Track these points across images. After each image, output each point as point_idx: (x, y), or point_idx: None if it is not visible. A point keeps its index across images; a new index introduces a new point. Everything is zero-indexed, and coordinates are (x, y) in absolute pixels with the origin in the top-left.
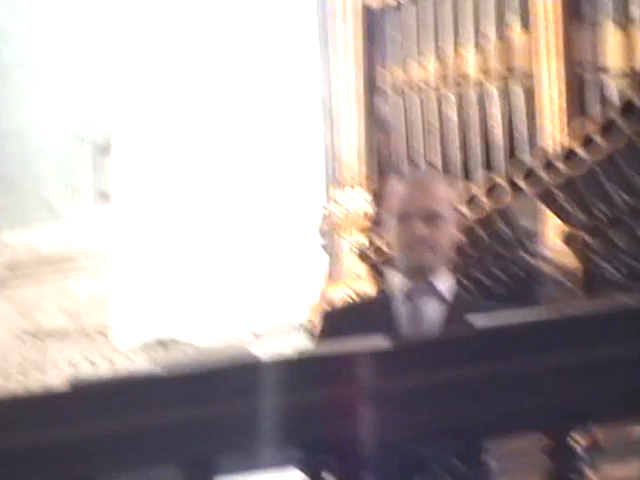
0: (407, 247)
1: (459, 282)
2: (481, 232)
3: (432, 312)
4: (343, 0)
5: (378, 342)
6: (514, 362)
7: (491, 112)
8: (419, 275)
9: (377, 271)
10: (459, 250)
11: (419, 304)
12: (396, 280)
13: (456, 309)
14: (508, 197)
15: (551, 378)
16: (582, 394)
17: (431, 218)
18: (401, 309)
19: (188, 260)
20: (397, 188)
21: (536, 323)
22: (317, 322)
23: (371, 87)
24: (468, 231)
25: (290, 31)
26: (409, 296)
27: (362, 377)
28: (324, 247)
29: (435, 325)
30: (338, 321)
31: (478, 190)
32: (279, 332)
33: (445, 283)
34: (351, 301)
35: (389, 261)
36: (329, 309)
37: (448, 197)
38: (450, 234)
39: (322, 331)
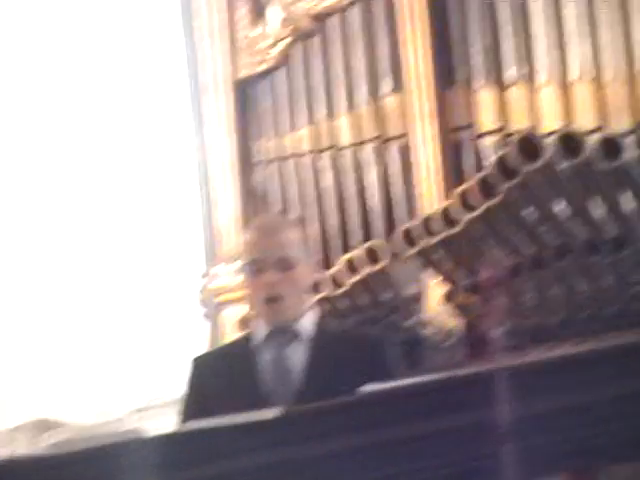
0: (261, 298)
1: (322, 316)
2: (360, 296)
3: (294, 355)
4: (214, 72)
5: (264, 413)
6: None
7: (367, 178)
8: (276, 317)
9: None
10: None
11: (280, 347)
12: (257, 324)
13: (319, 348)
14: (387, 260)
15: (439, 440)
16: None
17: (283, 265)
18: (263, 354)
19: (66, 336)
20: (247, 234)
21: (422, 385)
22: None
23: (246, 158)
24: (348, 294)
25: (163, 104)
26: (270, 338)
27: (249, 448)
28: (206, 317)
29: (298, 370)
30: (205, 366)
31: (357, 254)
32: (163, 406)
33: (306, 322)
34: (217, 348)
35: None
36: (197, 356)
37: (297, 237)
38: (305, 274)
39: (190, 378)
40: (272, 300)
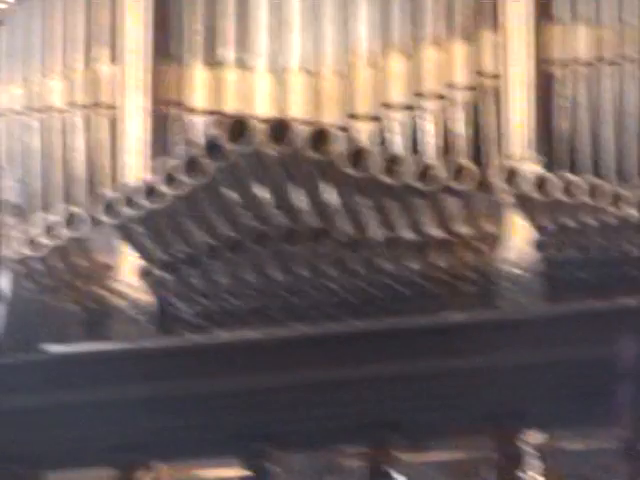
0: None
1: (20, 280)
2: (58, 262)
3: None
4: None
5: None
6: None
7: (74, 144)
8: None
9: None
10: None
11: None
12: None
13: (16, 308)
14: (86, 228)
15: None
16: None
17: None
18: None
19: None
20: None
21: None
22: None
23: None
24: (45, 259)
25: None
26: None
27: None
28: None
29: None
30: None
31: (56, 220)
32: None
33: (4, 280)
34: None
35: None
36: None
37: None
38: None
39: None
40: None
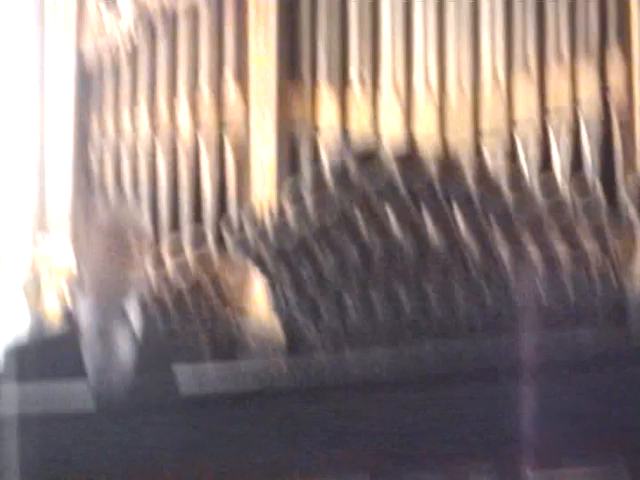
0: (95, 261)
1: (152, 315)
2: (188, 295)
3: (123, 345)
4: (55, 44)
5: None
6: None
7: (203, 169)
8: (109, 294)
9: None
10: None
11: (109, 336)
12: (87, 311)
13: (148, 344)
14: (217, 261)
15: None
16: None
17: (119, 234)
18: (91, 341)
19: None
20: (89, 209)
21: (242, 392)
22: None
23: (83, 132)
24: (175, 293)
25: (8, 71)
26: (99, 327)
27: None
28: (25, 288)
29: (126, 360)
30: (25, 357)
31: (188, 252)
32: None
33: (136, 314)
34: (38, 335)
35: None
36: (12, 344)
37: (137, 217)
38: (140, 254)
39: (8, 368)
40: (104, 265)
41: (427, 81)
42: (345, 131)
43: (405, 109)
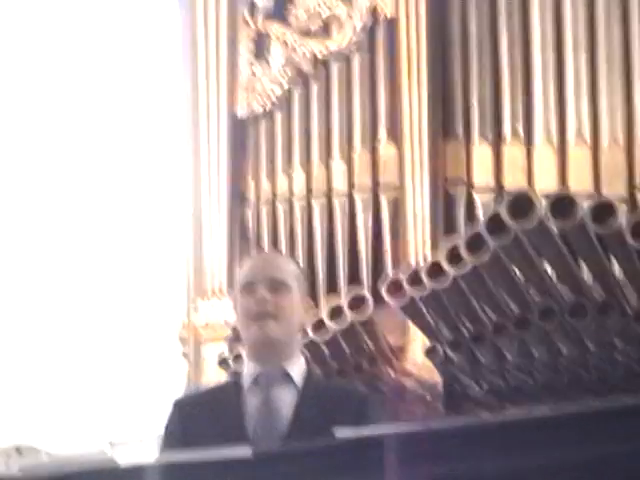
0: (251, 317)
1: (309, 364)
2: (343, 344)
3: (283, 398)
4: (208, 108)
5: (238, 450)
6: (376, 474)
7: (358, 223)
8: (266, 351)
9: None
10: (321, 362)
11: (269, 390)
12: (245, 365)
13: (308, 395)
14: (371, 308)
15: None
16: None
17: (276, 286)
18: (250, 396)
19: (47, 366)
20: (243, 264)
21: (398, 435)
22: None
23: (238, 196)
24: (331, 342)
25: (159, 136)
26: (258, 381)
27: None
28: (185, 355)
29: (286, 413)
30: (187, 409)
31: (342, 301)
32: (138, 442)
33: (295, 366)
34: (200, 390)
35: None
36: (177, 398)
37: (294, 270)
38: (295, 305)
39: (171, 420)
40: (260, 320)
41: (580, 133)
42: (500, 187)
43: (559, 166)
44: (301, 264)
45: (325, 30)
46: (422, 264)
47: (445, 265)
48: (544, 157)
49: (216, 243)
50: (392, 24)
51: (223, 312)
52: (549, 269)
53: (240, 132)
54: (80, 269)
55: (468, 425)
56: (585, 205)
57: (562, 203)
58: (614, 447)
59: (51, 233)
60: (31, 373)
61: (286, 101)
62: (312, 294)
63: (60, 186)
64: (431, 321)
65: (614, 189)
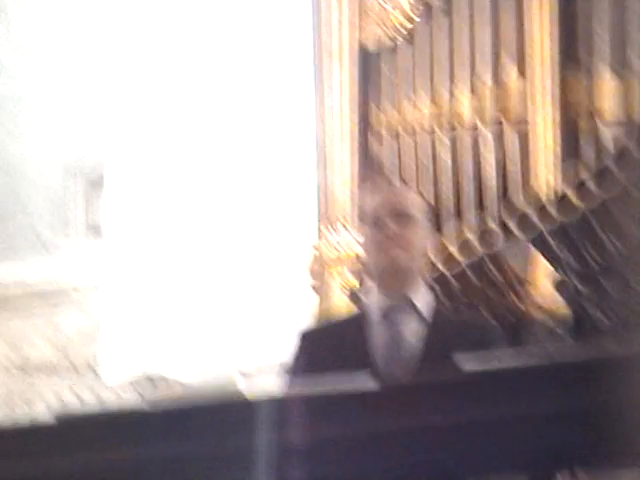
0: (378, 248)
1: (438, 298)
2: (472, 276)
3: (411, 331)
4: (339, 40)
5: (363, 382)
6: (501, 407)
7: (485, 155)
8: (394, 281)
9: None
10: (450, 295)
11: (397, 323)
12: (372, 298)
13: (436, 328)
14: (500, 242)
15: (538, 423)
16: (569, 439)
17: (402, 219)
18: (378, 328)
19: (178, 297)
20: (371, 196)
21: (525, 368)
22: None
23: (365, 127)
24: (459, 275)
25: (285, 68)
26: (386, 314)
27: (349, 417)
28: (314, 287)
29: (414, 346)
30: (313, 341)
31: (470, 234)
32: (267, 371)
33: (423, 300)
34: (327, 322)
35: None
36: (304, 330)
37: (420, 202)
38: (423, 237)
39: (297, 352)
40: (387, 251)
41: None
42: (629, 120)
43: None
44: (427, 196)
45: None
46: (549, 195)
47: (574, 199)
48: None
49: (344, 173)
50: None
51: (352, 243)
52: None
53: (368, 63)
54: (212, 199)
55: (595, 356)
56: None
57: None
58: None
59: (182, 161)
60: (161, 302)
61: (413, 33)
62: (439, 227)
63: (192, 116)
64: (560, 254)
65: None
